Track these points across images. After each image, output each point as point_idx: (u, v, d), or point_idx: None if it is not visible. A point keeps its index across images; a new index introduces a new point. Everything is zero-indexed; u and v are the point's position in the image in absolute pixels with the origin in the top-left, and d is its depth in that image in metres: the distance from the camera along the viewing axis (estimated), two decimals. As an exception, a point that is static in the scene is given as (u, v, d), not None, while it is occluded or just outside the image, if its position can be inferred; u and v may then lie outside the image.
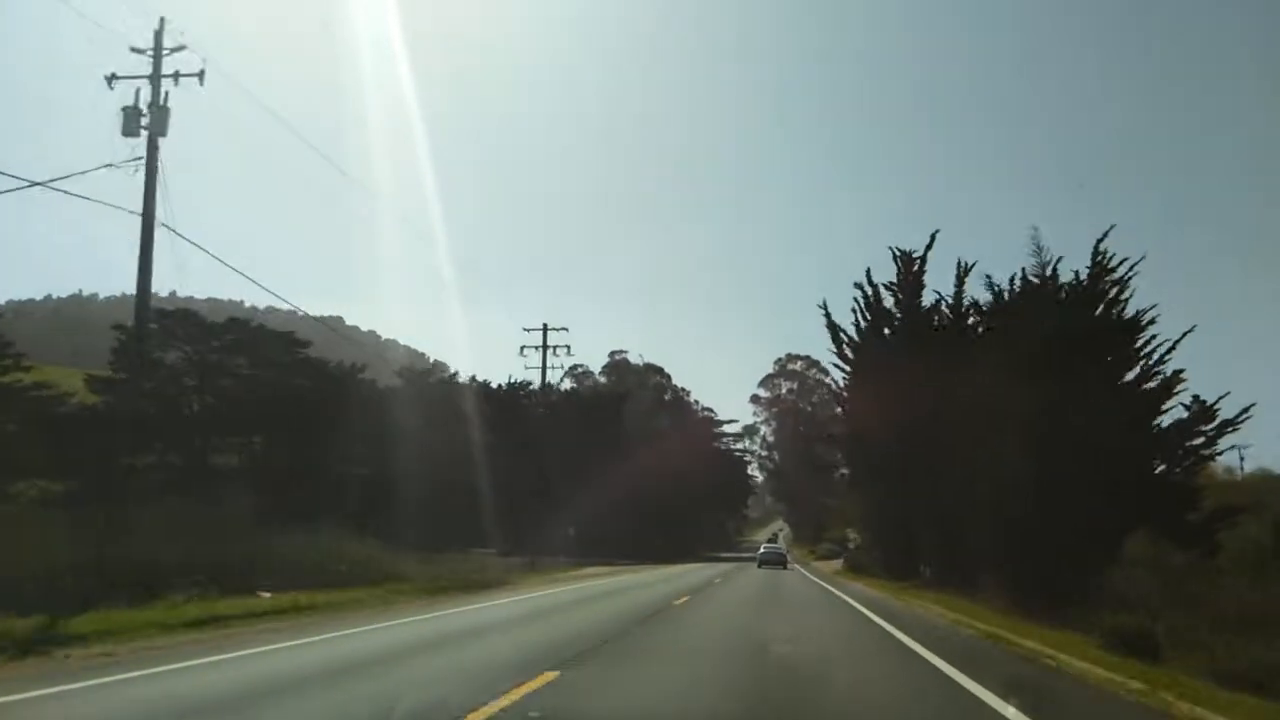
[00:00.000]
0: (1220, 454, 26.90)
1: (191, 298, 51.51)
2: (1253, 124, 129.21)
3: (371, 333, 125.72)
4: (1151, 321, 24.89)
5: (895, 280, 33.50)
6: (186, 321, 49.15)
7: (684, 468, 76.05)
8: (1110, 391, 24.22)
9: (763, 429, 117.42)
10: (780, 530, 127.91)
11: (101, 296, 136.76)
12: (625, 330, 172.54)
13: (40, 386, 38.79)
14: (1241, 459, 48.90)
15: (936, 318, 32.30)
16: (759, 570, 45.90)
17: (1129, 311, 25.29)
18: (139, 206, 18.25)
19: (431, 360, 62.41)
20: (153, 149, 18.42)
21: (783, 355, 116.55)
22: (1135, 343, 24.99)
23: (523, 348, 42.04)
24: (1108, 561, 22.64)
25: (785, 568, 53.54)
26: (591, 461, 63.79)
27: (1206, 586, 18.66)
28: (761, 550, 62.26)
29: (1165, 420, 25.02)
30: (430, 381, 57.14)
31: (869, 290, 34.41)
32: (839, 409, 41.19)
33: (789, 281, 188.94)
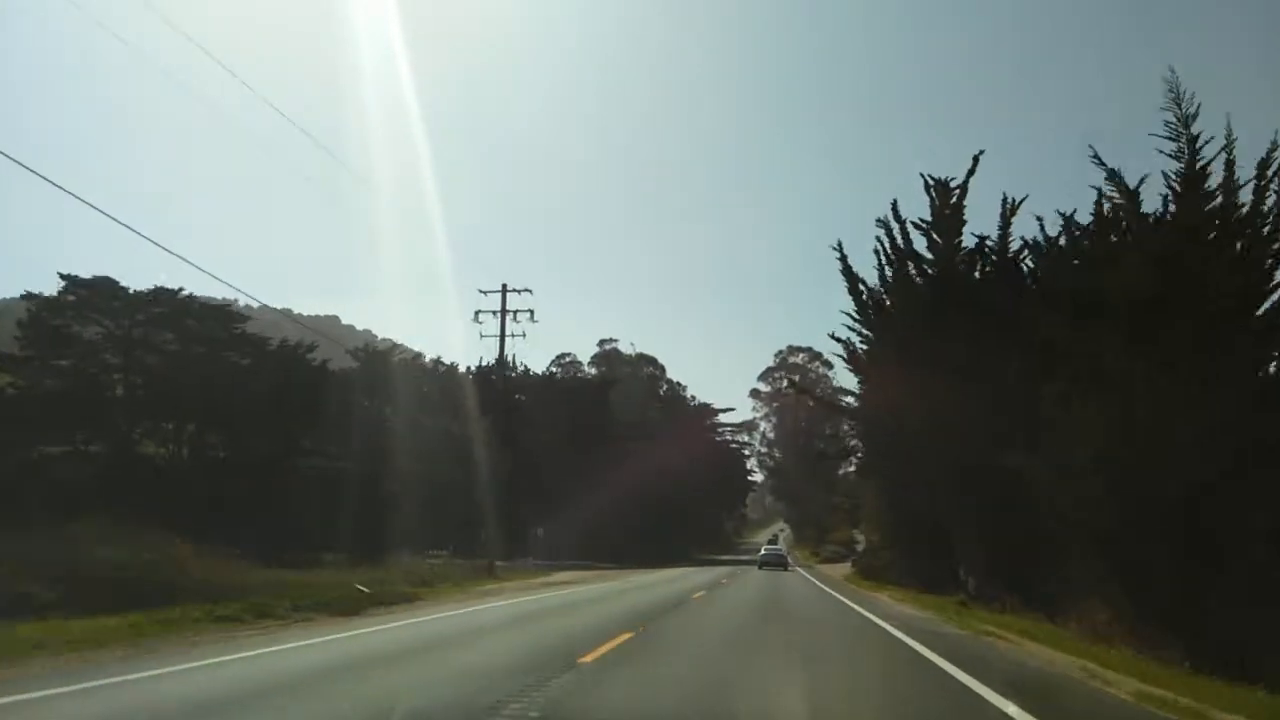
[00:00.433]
0: None
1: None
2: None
3: (367, 331, 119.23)
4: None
5: (928, 218, 26.71)
6: (105, 291, 43.01)
7: (678, 462, 69.74)
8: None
9: (763, 425, 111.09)
10: (781, 531, 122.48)
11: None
12: (624, 329, 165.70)
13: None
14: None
15: (981, 262, 25.78)
16: (758, 576, 40.13)
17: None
18: None
19: (393, 342, 56.20)
20: None
21: (783, 347, 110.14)
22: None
23: (478, 313, 35.39)
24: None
25: (786, 569, 51.60)
26: (572, 455, 57.54)
27: None
28: (763, 552, 60.77)
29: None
30: (387, 363, 50.72)
31: (896, 228, 27.50)
32: (854, 384, 33.11)
33: (789, 279, 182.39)
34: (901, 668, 10.62)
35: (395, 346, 52.15)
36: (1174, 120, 18.25)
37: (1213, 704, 8.07)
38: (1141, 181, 19.56)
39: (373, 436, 50.10)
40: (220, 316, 45.69)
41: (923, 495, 28.31)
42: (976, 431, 22.15)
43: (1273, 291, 18.26)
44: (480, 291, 35.11)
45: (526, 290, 35.24)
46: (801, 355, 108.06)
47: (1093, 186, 20.66)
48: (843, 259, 28.44)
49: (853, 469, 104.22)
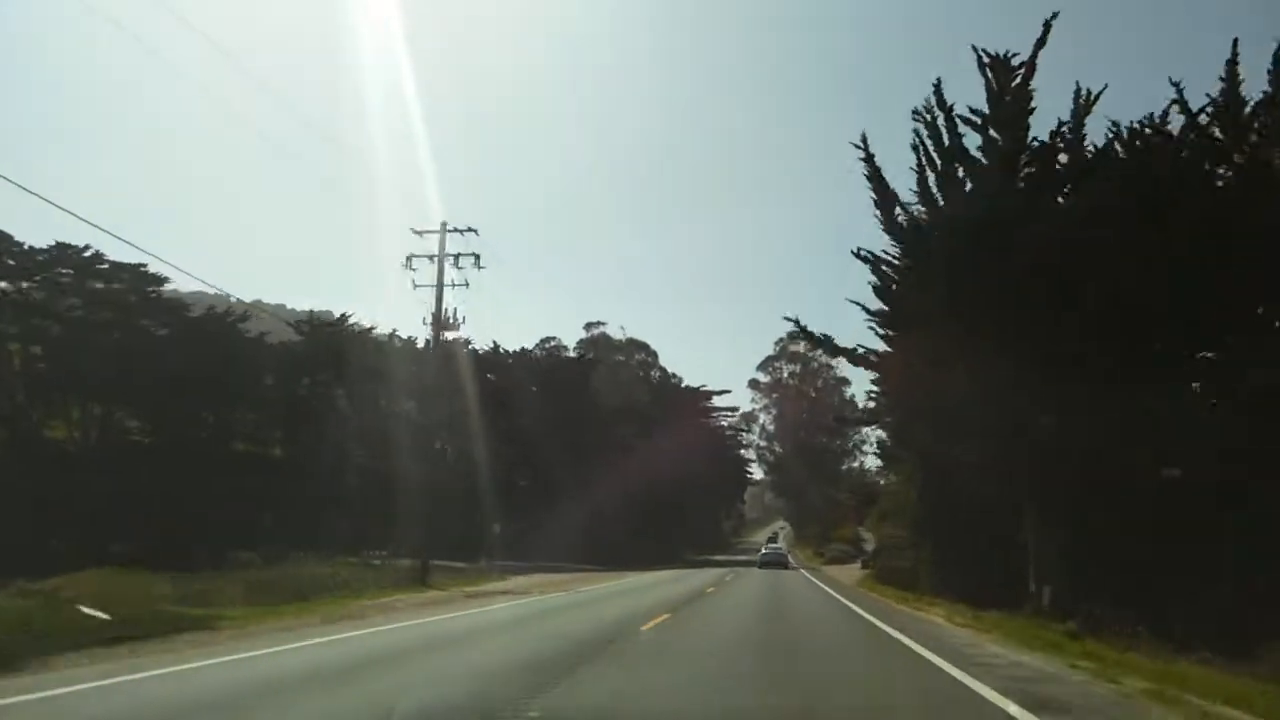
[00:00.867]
0: None
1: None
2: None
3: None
4: None
5: (984, 105, 19.80)
6: (-6, 246, 36.89)
7: (670, 453, 63.27)
8: None
9: (762, 417, 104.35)
10: (781, 529, 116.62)
11: None
12: (622, 323, 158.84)
13: None
14: None
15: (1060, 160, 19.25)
16: (755, 580, 33.98)
17: None
18: None
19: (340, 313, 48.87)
20: None
21: (784, 335, 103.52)
22: None
23: (410, 257, 27.94)
24: None
25: (786, 568, 49.95)
26: (550, 442, 51.12)
27: None
28: (763, 552, 59.26)
29: None
30: (333, 334, 44.21)
31: (940, 118, 20.43)
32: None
33: (789, 268, 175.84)
34: None
35: (344, 316, 45.54)
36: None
37: None
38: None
39: (314, 418, 43.92)
40: (133, 277, 39.11)
41: (973, 473, 21.81)
42: (1070, 373, 15.68)
43: None
44: (414, 231, 28.23)
45: (471, 230, 28.42)
46: (804, 344, 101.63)
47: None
48: (868, 158, 21.27)
49: (857, 464, 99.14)
